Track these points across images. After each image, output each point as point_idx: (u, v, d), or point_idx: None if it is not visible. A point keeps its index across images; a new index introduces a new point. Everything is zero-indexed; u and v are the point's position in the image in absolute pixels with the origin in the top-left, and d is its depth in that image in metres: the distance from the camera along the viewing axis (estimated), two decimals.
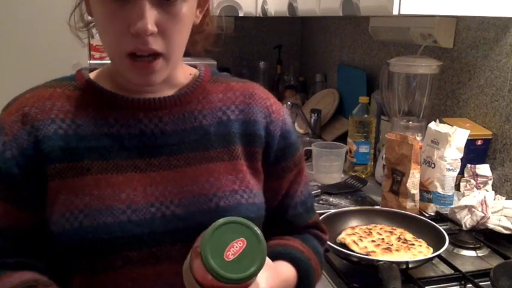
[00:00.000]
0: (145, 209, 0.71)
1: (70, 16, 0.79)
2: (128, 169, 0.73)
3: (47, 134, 0.72)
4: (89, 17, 0.78)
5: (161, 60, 0.70)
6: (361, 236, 1.11)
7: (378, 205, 1.44)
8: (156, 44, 0.68)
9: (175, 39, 0.71)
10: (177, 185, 0.74)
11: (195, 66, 0.85)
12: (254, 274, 0.60)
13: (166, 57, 0.71)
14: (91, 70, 0.81)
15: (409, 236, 1.14)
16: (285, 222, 0.86)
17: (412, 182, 1.32)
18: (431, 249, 1.07)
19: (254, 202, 0.78)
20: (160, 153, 0.74)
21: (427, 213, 1.35)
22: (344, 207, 1.42)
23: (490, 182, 1.37)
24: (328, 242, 1.04)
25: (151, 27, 0.66)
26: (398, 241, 1.10)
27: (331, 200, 1.50)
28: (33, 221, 0.72)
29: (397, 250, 1.06)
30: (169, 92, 0.78)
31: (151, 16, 0.67)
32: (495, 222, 1.19)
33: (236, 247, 0.60)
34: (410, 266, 1.01)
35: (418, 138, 1.42)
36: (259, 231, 0.62)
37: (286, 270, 0.77)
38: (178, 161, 0.75)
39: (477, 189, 1.35)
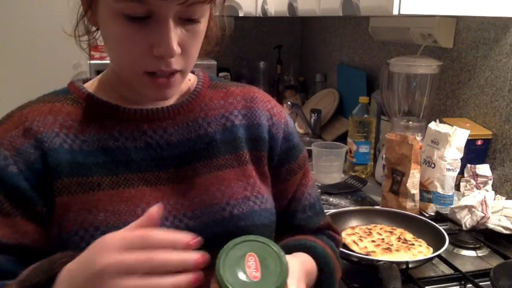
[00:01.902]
0: (160, 224, 0.69)
1: (75, 28, 0.75)
2: (139, 183, 0.70)
3: (52, 146, 0.68)
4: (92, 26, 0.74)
5: (179, 75, 0.69)
6: (361, 236, 1.11)
7: (378, 205, 1.44)
8: (177, 64, 0.67)
9: (193, 55, 0.69)
10: (188, 197, 0.72)
11: (192, 71, 0.83)
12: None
13: (184, 72, 0.70)
14: (84, 81, 0.78)
15: (409, 236, 1.13)
16: (294, 227, 0.84)
17: (412, 182, 1.32)
18: (431, 249, 1.07)
19: (266, 208, 0.77)
20: (168, 165, 0.73)
21: (427, 213, 1.35)
22: (344, 207, 1.42)
23: (490, 182, 1.36)
24: None
25: (177, 49, 0.64)
26: (398, 241, 1.10)
27: (331, 200, 1.50)
28: (43, 238, 0.68)
29: (397, 250, 1.06)
30: (169, 100, 0.76)
31: (175, 37, 0.64)
32: (495, 222, 1.19)
33: (252, 265, 0.56)
34: (410, 266, 1.01)
35: (418, 138, 1.42)
36: (274, 245, 0.59)
37: (306, 260, 0.75)
38: (186, 172, 0.73)
39: (477, 189, 1.35)
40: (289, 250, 0.74)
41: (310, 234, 0.84)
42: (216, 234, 0.71)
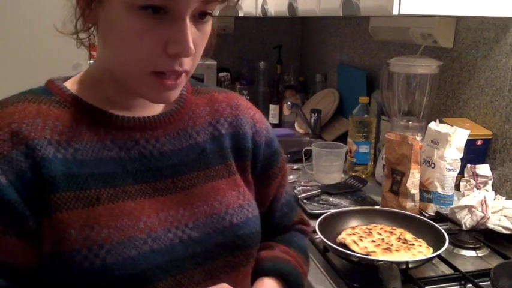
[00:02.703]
0: (163, 236, 0.67)
1: (76, 24, 0.70)
2: (137, 195, 0.68)
3: (45, 156, 0.63)
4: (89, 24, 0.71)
5: (184, 76, 0.67)
6: (361, 236, 1.11)
7: (378, 205, 1.43)
8: (187, 64, 0.65)
9: (199, 57, 0.68)
10: (188, 207, 0.71)
11: None
12: None
13: (189, 74, 0.68)
14: (63, 80, 0.73)
15: (409, 236, 1.13)
16: (273, 225, 0.87)
17: (412, 182, 1.32)
18: (431, 249, 1.07)
19: (256, 215, 0.78)
20: (163, 175, 0.71)
21: (427, 213, 1.35)
22: (344, 207, 1.42)
23: (490, 182, 1.36)
24: (329, 242, 1.05)
25: (193, 48, 0.62)
26: (398, 241, 1.10)
27: (331, 200, 1.50)
28: (34, 256, 0.63)
29: (397, 250, 1.06)
30: (156, 107, 0.75)
31: (191, 36, 0.62)
32: (495, 222, 1.19)
33: None
34: (410, 266, 1.01)
35: (418, 138, 1.42)
36: None
37: (274, 286, 0.79)
38: (183, 182, 0.72)
39: (477, 189, 1.35)
40: (263, 273, 0.79)
41: (285, 231, 0.90)
42: (218, 243, 0.72)
